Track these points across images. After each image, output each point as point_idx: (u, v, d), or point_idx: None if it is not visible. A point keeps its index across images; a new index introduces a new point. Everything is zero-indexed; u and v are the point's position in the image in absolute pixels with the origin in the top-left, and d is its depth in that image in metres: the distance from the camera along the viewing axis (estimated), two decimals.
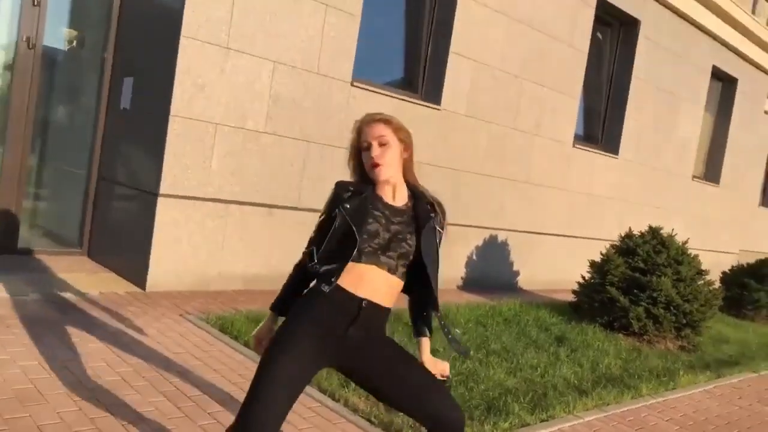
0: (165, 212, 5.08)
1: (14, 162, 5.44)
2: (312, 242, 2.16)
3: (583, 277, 6.76)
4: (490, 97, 7.45)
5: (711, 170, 12.23)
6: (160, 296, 4.95)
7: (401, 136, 2.12)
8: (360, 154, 2.13)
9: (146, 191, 5.16)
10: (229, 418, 3.04)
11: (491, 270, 7.87)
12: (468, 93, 7.17)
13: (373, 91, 6.23)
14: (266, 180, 5.60)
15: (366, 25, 6.17)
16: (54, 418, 2.72)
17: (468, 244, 7.61)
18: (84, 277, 5.13)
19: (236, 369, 3.67)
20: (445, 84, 6.94)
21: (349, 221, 2.01)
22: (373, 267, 2.02)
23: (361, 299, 2.01)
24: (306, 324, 2.01)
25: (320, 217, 2.16)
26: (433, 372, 2.12)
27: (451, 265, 7.40)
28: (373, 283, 2.03)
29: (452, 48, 6.91)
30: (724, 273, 9.49)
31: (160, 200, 5.04)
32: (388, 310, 2.10)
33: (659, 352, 5.87)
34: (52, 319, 4.00)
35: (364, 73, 6.27)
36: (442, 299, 2.21)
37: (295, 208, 5.71)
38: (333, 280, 2.00)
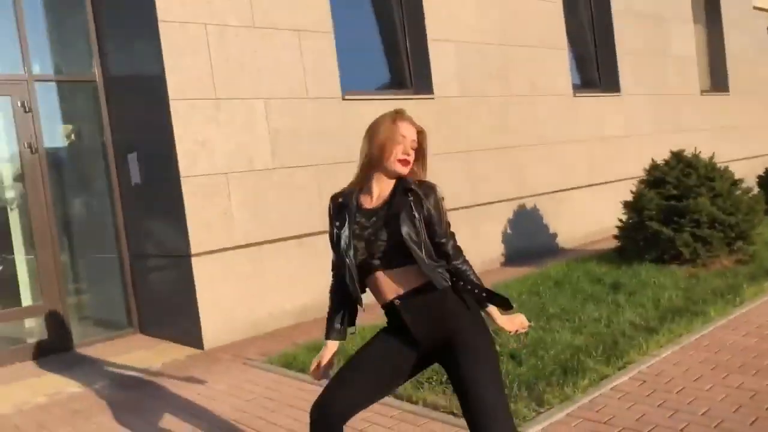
0: (202, 270, 5.16)
1: (48, 264, 5.57)
2: (335, 265, 2.27)
3: (621, 220, 6.68)
4: (479, 72, 7.44)
5: (718, 81, 12.03)
6: (219, 351, 5.02)
7: (424, 147, 2.27)
8: (390, 139, 2.18)
9: (179, 256, 5.25)
10: None
11: (528, 239, 7.82)
12: (456, 75, 7.18)
13: (365, 99, 6.27)
14: (288, 213, 5.66)
15: (342, 39, 6.22)
16: None
17: (497, 219, 7.58)
18: (143, 354, 5.23)
19: (309, 400, 3.70)
20: (432, 72, 6.96)
21: (342, 250, 2.16)
22: (378, 272, 2.14)
23: (392, 301, 2.12)
24: (386, 332, 2.22)
25: (329, 235, 2.27)
26: (512, 329, 2.17)
27: (486, 245, 7.37)
28: (388, 284, 2.14)
29: (429, 36, 6.93)
30: (759, 176, 9.31)
31: (194, 260, 5.12)
32: (430, 291, 2.10)
33: (717, 272, 5.77)
34: (126, 402, 4.08)
35: (352, 84, 6.32)
36: (487, 283, 2.21)
37: (323, 232, 5.75)
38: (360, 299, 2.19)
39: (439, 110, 6.94)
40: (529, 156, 7.94)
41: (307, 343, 4.72)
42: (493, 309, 2.17)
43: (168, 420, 3.65)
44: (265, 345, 5.02)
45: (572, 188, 8.52)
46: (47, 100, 5.87)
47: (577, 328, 4.42)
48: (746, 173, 9.38)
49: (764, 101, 13.37)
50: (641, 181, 6.62)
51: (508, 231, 7.67)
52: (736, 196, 6.13)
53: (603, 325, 4.44)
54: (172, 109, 5.06)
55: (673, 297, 5.02)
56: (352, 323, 2.30)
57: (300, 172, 5.76)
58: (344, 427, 2.10)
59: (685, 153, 6.50)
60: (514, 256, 7.59)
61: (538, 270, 6.53)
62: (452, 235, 2.20)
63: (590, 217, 8.63)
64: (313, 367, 2.29)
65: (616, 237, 6.80)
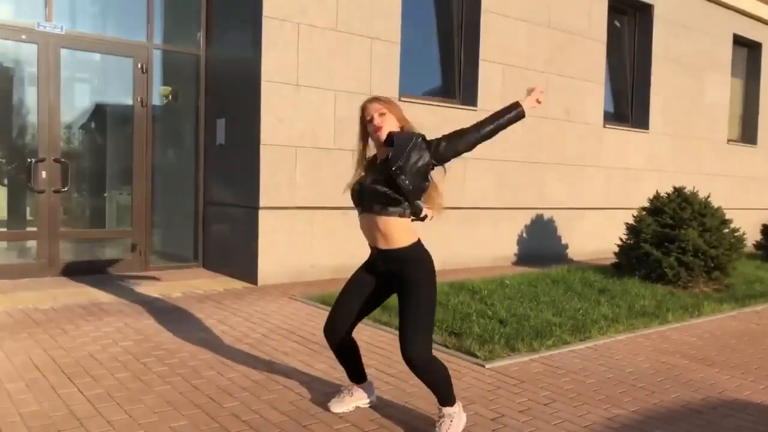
0: (265, 221, 6.35)
1: (141, 199, 6.83)
2: None
3: (621, 239, 7.67)
4: (520, 94, 8.43)
5: (747, 132, 12.80)
6: (269, 288, 6.21)
7: (393, 108, 2.95)
8: (366, 126, 2.96)
9: (248, 206, 6.45)
10: None
11: (540, 245, 8.85)
12: (500, 93, 8.23)
13: (418, 103, 7.38)
14: (339, 187, 6.74)
15: (406, 49, 7.35)
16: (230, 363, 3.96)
17: (516, 224, 8.63)
18: (207, 281, 6.44)
19: None
20: (479, 88, 8.03)
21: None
22: (364, 214, 2.96)
23: (375, 247, 2.96)
24: (363, 268, 3.14)
25: None
26: (531, 104, 3.25)
27: (502, 244, 8.44)
28: (370, 229, 2.96)
29: (481, 56, 8.01)
30: (764, 225, 10.13)
31: (261, 212, 6.31)
32: (396, 249, 2.87)
33: (692, 293, 6.72)
34: (198, 307, 5.28)
35: (408, 89, 7.44)
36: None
37: None
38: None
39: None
40: (553, 173, 8.96)
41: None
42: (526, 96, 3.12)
43: (233, 321, 4.83)
44: (306, 289, 6.18)
45: (588, 208, 9.50)
46: (158, 65, 7.12)
47: (558, 312, 5.47)
48: (760, 223, 10.19)
49: None
50: (643, 208, 7.60)
51: (524, 236, 8.71)
52: (722, 233, 7.07)
53: (580, 313, 5.47)
54: (262, 88, 6.25)
55: (646, 304, 6.01)
56: None
57: (354, 155, 6.88)
58: (353, 336, 3.10)
59: (685, 190, 7.46)
60: (525, 258, 8.63)
61: (542, 270, 7.56)
62: (448, 137, 2.92)
63: (600, 237, 9.58)
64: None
65: (615, 254, 7.78)
